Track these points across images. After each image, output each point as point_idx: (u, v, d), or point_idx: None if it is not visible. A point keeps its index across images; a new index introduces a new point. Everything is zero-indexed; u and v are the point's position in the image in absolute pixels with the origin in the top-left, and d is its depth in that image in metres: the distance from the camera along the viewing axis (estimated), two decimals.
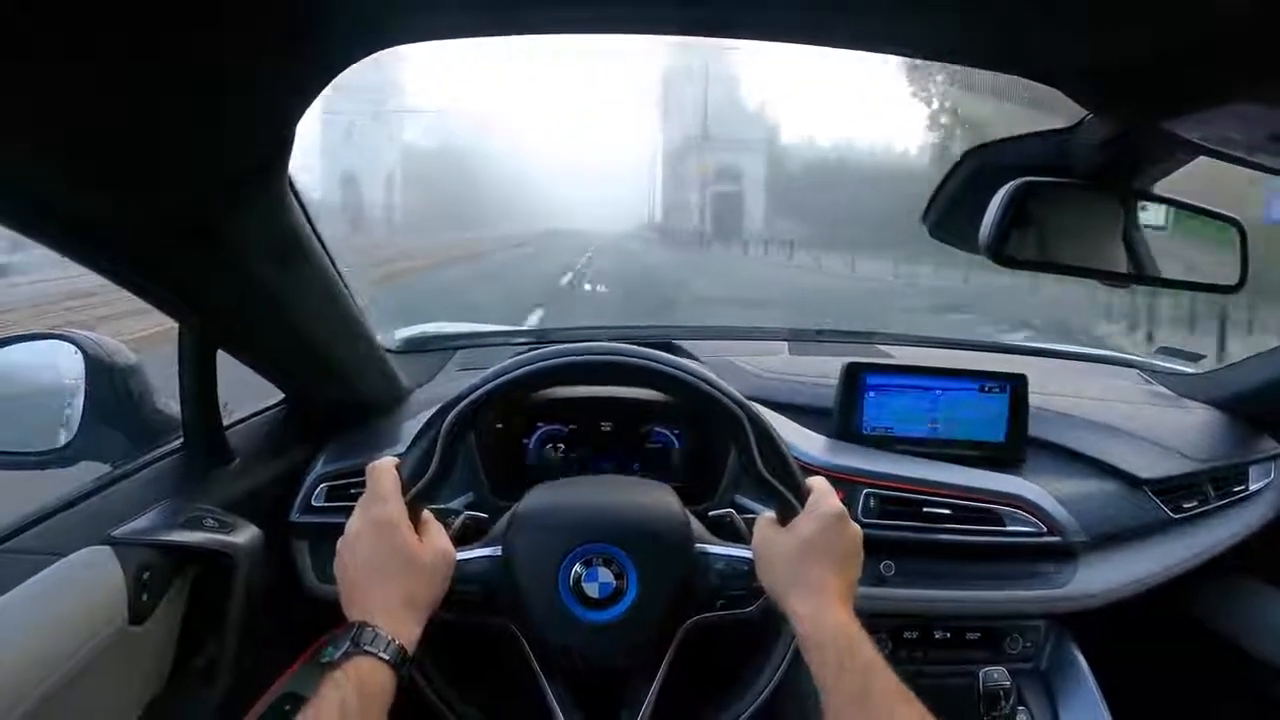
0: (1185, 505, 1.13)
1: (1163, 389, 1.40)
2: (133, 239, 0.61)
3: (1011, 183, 0.72)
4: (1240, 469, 1.23)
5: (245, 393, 1.00)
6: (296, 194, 0.70)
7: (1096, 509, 1.05)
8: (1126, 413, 1.23)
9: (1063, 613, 1.02)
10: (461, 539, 0.78)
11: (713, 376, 0.72)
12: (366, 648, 0.60)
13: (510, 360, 0.72)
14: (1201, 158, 0.73)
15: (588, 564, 0.74)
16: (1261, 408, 1.28)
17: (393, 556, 0.65)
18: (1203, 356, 1.48)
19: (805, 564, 0.67)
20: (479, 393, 0.70)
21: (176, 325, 0.82)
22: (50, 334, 0.92)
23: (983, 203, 0.73)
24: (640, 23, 0.59)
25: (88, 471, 0.85)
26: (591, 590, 0.73)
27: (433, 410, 0.71)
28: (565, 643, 0.74)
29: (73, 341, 0.90)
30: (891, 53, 0.65)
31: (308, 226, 0.74)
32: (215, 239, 0.65)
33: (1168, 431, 1.20)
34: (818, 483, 0.72)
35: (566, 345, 0.73)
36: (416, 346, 1.38)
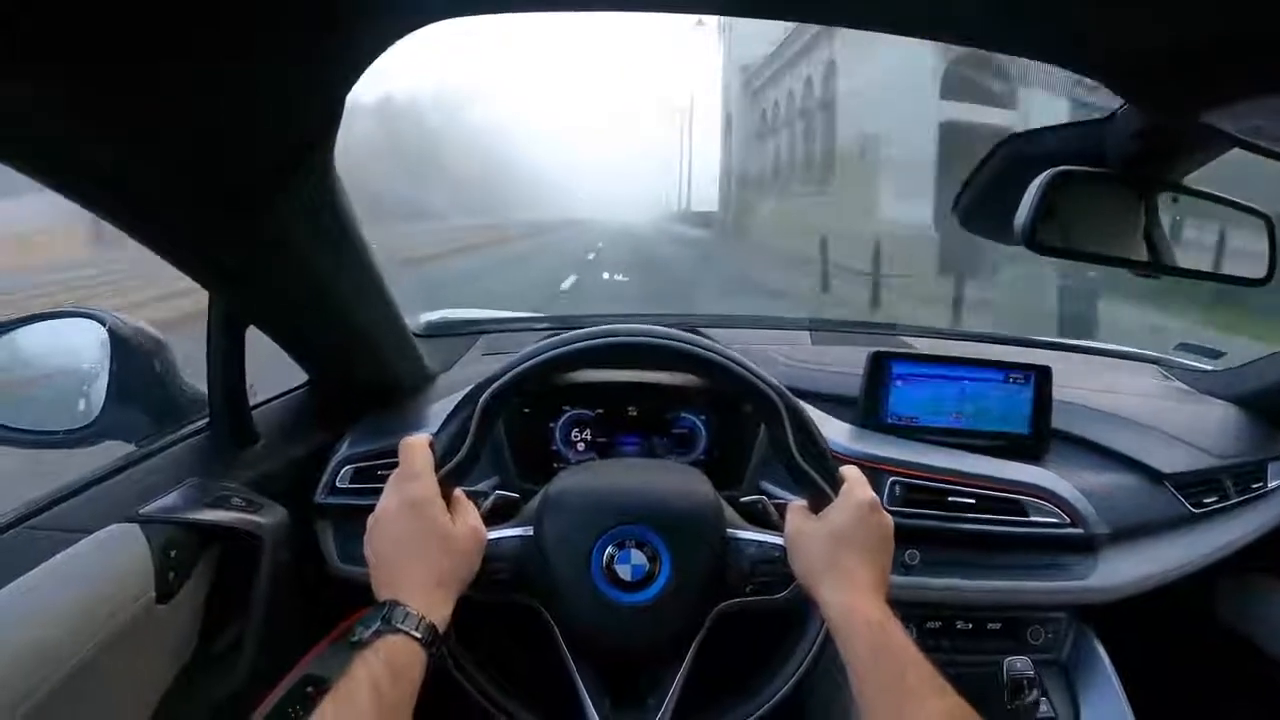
0: (1205, 501, 1.13)
1: (1182, 385, 1.40)
2: (179, 211, 0.61)
3: (1048, 171, 0.72)
4: (1259, 466, 1.23)
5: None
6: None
7: (1118, 502, 1.05)
8: (1148, 407, 1.23)
9: (1084, 604, 1.02)
10: (492, 519, 0.77)
11: (749, 362, 0.71)
12: (398, 626, 0.59)
13: (546, 341, 0.72)
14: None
15: (621, 546, 0.74)
16: None
17: (425, 534, 0.65)
18: (1223, 354, 1.47)
19: (838, 553, 0.67)
20: (515, 371, 0.70)
21: None
22: (75, 311, 0.91)
23: (1015, 193, 0.73)
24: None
25: (113, 450, 0.85)
26: (624, 573, 0.73)
27: (467, 389, 0.71)
28: (595, 625, 0.74)
29: (97, 319, 0.89)
30: (928, 37, 0.65)
31: (349, 206, 0.74)
32: (261, 214, 0.64)
33: (1188, 427, 1.20)
34: (851, 472, 0.72)
35: (603, 327, 0.72)
36: (440, 330, 1.37)
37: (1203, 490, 1.14)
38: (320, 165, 0.65)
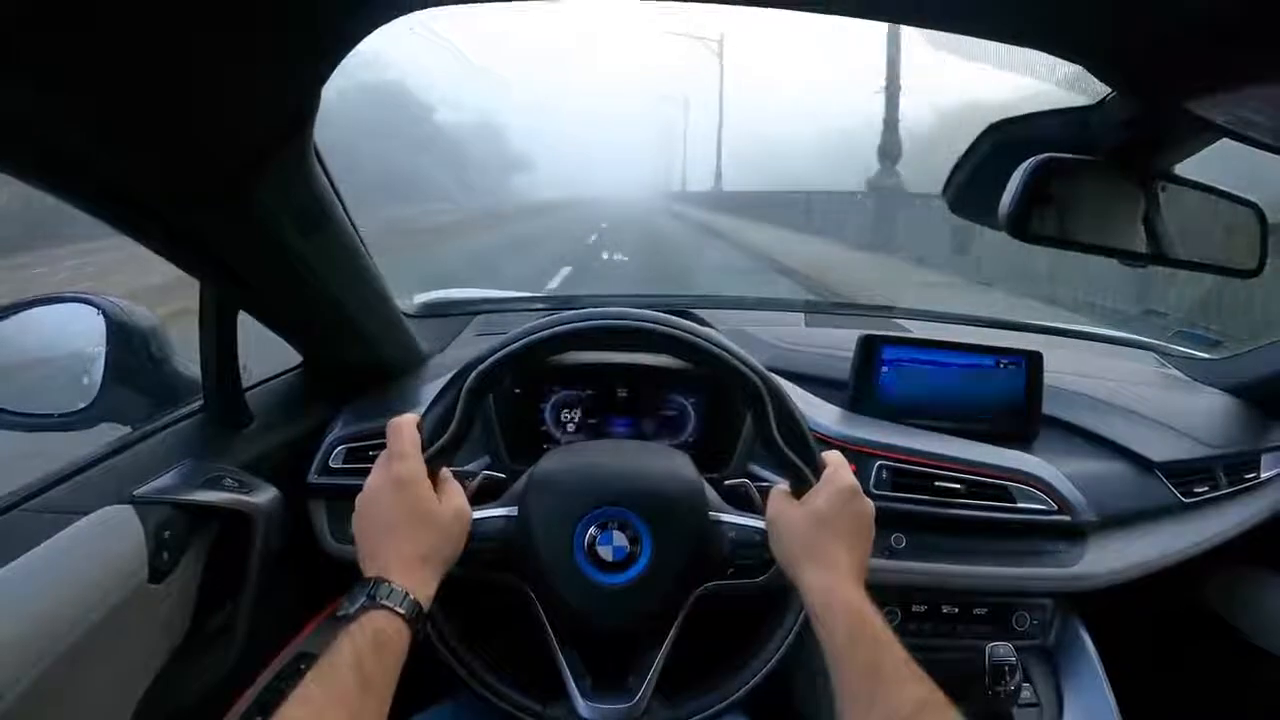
0: (1196, 490, 1.13)
1: (1178, 373, 1.39)
2: (159, 200, 0.62)
3: (1033, 158, 0.71)
4: (1253, 456, 1.22)
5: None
6: (321, 159, 0.70)
7: (1108, 489, 1.04)
8: (1141, 395, 1.22)
9: (1070, 592, 1.02)
10: (479, 499, 0.78)
11: (733, 345, 0.72)
12: (382, 602, 0.60)
13: (534, 322, 0.73)
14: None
15: (603, 527, 0.75)
16: (1276, 395, 1.27)
17: (411, 512, 0.66)
18: (1220, 342, 1.47)
19: (818, 537, 0.68)
20: (503, 352, 0.71)
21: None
22: (70, 296, 0.92)
23: (1003, 178, 0.73)
24: None
25: (109, 434, 0.86)
26: (605, 554, 0.74)
27: (455, 369, 0.72)
28: (577, 604, 0.75)
29: (93, 303, 0.90)
30: (909, 23, 0.64)
31: (331, 191, 0.74)
32: (242, 202, 0.65)
33: (1182, 415, 1.20)
34: (833, 457, 0.73)
35: (590, 309, 0.73)
36: (434, 311, 1.38)
37: (1194, 480, 1.13)
38: (301, 154, 0.65)
